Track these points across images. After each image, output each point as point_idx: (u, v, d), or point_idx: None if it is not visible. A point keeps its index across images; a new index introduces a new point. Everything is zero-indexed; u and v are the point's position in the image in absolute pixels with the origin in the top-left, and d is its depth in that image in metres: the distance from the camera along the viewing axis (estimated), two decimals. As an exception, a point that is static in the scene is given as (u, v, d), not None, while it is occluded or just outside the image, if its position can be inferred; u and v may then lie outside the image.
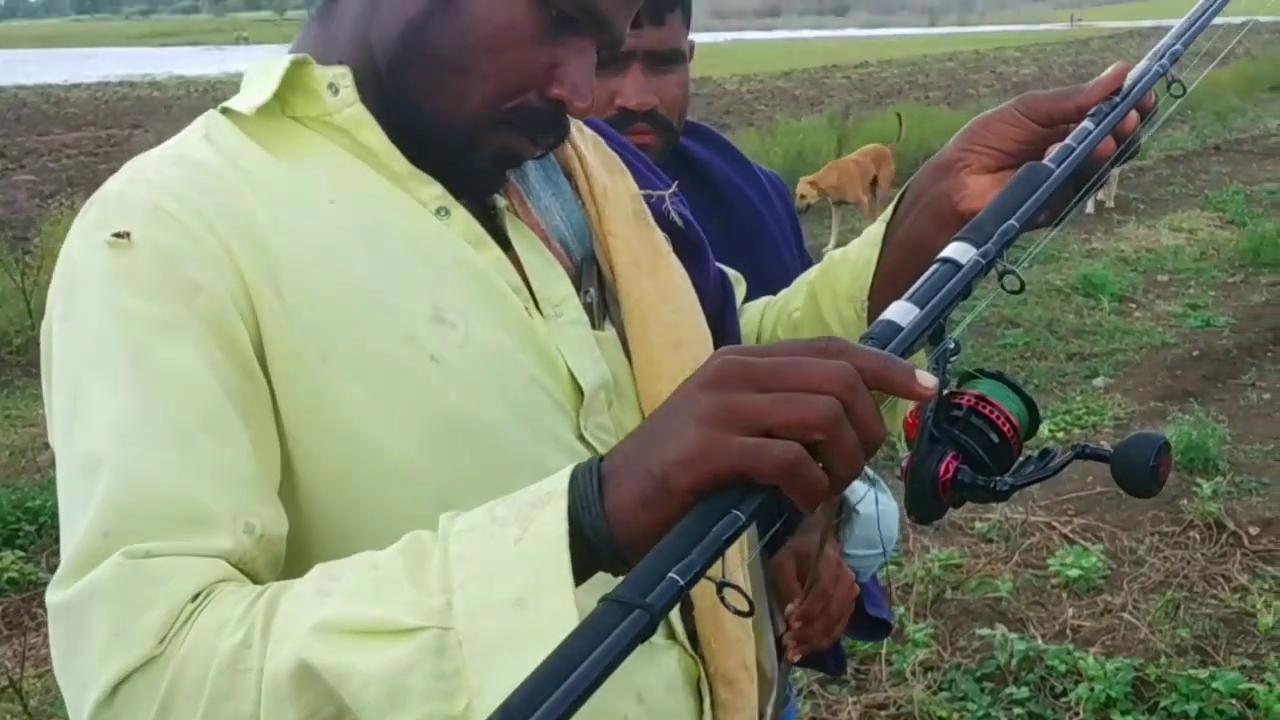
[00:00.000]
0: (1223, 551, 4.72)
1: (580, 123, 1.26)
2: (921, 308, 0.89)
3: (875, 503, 1.83)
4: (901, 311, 0.89)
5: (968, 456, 0.93)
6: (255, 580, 0.92)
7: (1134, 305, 8.57)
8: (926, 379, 0.82)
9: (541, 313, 1.11)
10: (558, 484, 0.82)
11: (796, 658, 1.69)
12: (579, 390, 1.10)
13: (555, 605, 0.78)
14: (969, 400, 0.95)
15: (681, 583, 0.71)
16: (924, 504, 0.92)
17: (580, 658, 0.68)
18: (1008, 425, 0.95)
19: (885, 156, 11.11)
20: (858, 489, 1.83)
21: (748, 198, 1.84)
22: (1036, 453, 0.97)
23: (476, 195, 1.12)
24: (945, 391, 0.94)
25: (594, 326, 1.16)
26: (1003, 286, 0.94)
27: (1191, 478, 5.34)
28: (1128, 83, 1.15)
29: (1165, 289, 9.03)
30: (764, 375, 0.79)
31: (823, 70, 32.67)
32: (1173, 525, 4.94)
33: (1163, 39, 1.20)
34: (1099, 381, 6.92)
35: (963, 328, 0.95)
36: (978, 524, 4.97)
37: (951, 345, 0.92)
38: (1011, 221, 0.98)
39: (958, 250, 0.94)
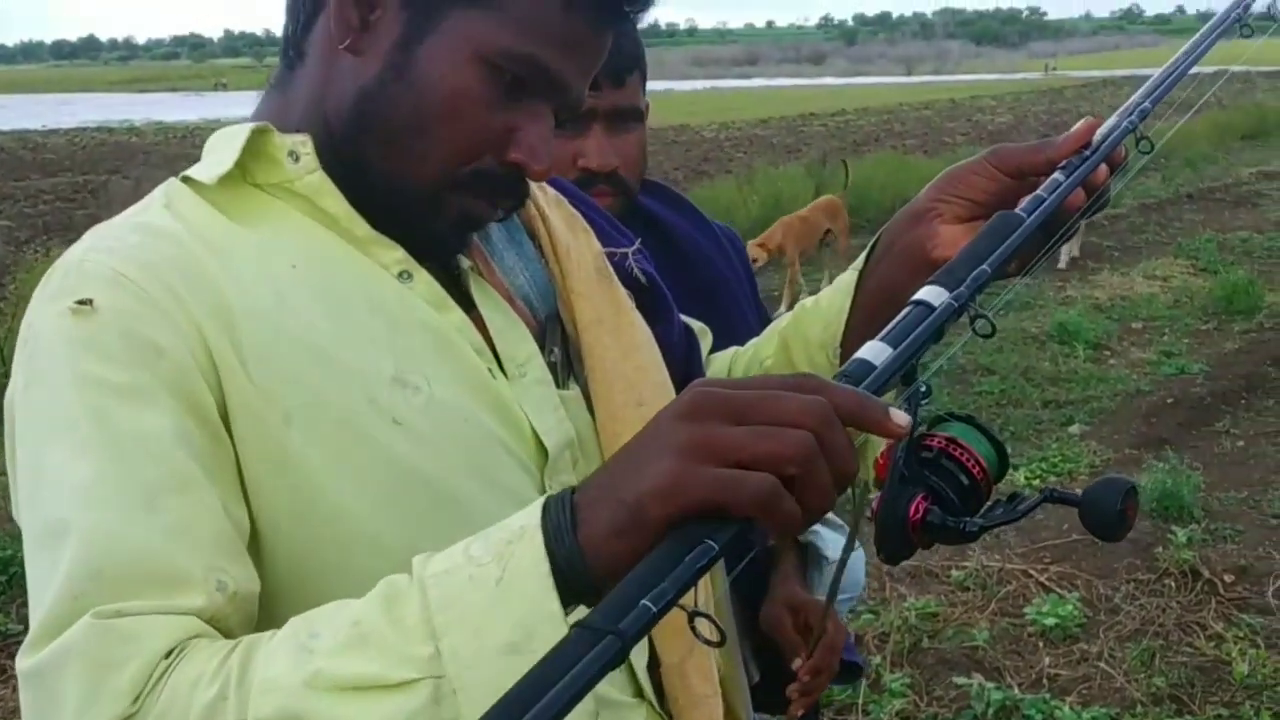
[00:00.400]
0: (1198, 599, 4.73)
1: (544, 183, 1.27)
2: (895, 348, 0.91)
3: (845, 549, 1.84)
4: (875, 351, 0.90)
5: (938, 497, 0.94)
6: (228, 638, 0.91)
7: (1109, 352, 8.62)
8: (899, 416, 0.83)
9: (505, 373, 1.11)
10: (530, 518, 0.82)
11: (801, 712, 1.69)
12: (543, 450, 1.11)
13: (549, 647, 0.78)
14: (940, 442, 0.97)
15: (654, 609, 0.71)
16: (894, 543, 0.94)
17: (550, 684, 0.68)
18: (978, 468, 0.96)
19: (837, 208, 10.77)
20: (827, 537, 1.84)
21: (706, 253, 1.87)
22: (1005, 496, 0.98)
23: (439, 258, 1.13)
24: (916, 433, 0.95)
25: (558, 385, 1.16)
26: (974, 331, 0.96)
27: (1167, 525, 5.35)
28: (1097, 137, 1.17)
29: (1140, 336, 9.08)
30: (740, 407, 0.80)
31: (800, 118, 32.86)
32: (1148, 573, 4.94)
33: (1132, 96, 1.23)
34: (1074, 429, 6.94)
35: (934, 370, 0.96)
36: (954, 572, 4.96)
37: (923, 388, 0.93)
38: (984, 267, 1.00)
39: (931, 293, 0.96)
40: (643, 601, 0.72)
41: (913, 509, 0.93)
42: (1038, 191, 1.12)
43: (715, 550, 0.76)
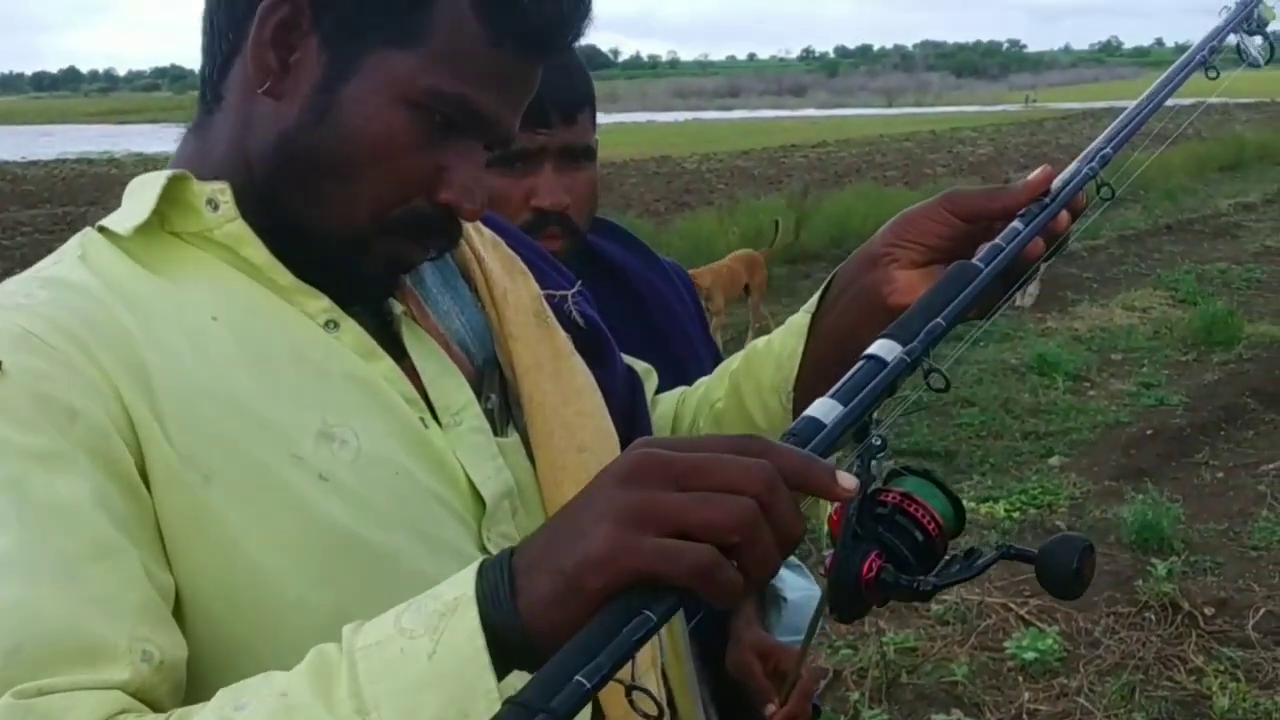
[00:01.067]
0: (1178, 633, 4.71)
1: (480, 224, 1.25)
2: (845, 405, 0.89)
3: (817, 612, 1.84)
4: (825, 409, 0.88)
5: (891, 555, 0.93)
6: (157, 709, 0.87)
7: (1088, 384, 8.62)
8: (847, 480, 0.81)
9: (439, 422, 1.08)
10: (464, 587, 0.79)
11: None
12: (480, 500, 1.08)
13: None
14: (894, 498, 0.96)
15: (588, 686, 0.70)
16: (846, 602, 0.92)
17: None
18: (933, 524, 0.95)
19: (757, 264, 10.57)
20: (785, 577, 1.84)
21: (658, 290, 1.85)
22: (962, 551, 0.97)
23: (369, 302, 1.10)
24: (871, 489, 0.94)
25: (497, 432, 1.14)
26: (928, 385, 0.94)
27: (1146, 557, 5.34)
28: (1056, 184, 1.16)
29: (1119, 368, 9.09)
30: (681, 472, 0.78)
31: (781, 150, 32.96)
32: (1128, 606, 4.93)
33: (1094, 142, 1.21)
34: (1054, 461, 6.94)
35: (887, 424, 0.95)
36: (934, 606, 4.94)
37: (877, 442, 0.92)
38: (939, 320, 0.98)
39: (883, 348, 0.94)
40: (577, 678, 0.70)
41: (865, 567, 0.92)
42: (996, 241, 1.10)
43: (653, 621, 0.74)
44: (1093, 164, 1.17)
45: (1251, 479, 6.54)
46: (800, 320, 1.30)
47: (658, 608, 0.75)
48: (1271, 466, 6.70)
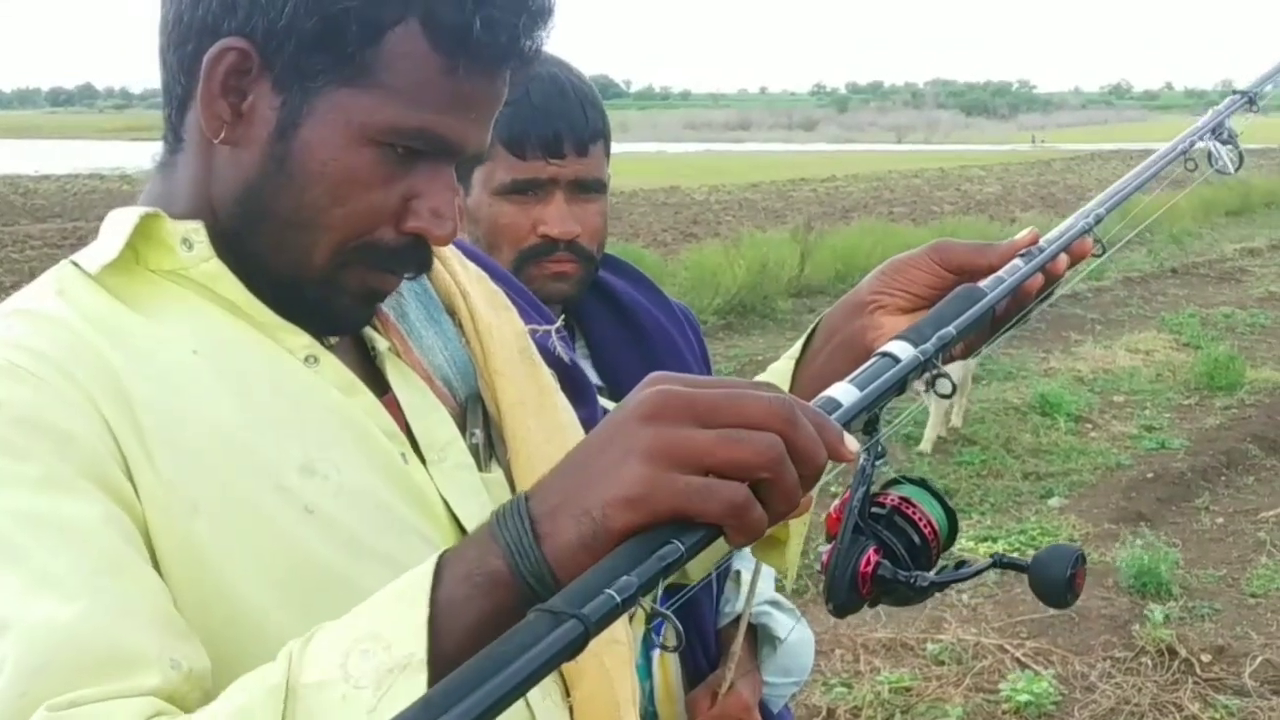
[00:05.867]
0: (1174, 679, 4.69)
1: (464, 259, 1.25)
2: (861, 390, 0.91)
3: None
4: (842, 391, 0.91)
5: (889, 553, 0.96)
6: None
7: (1090, 425, 8.61)
8: (852, 443, 0.83)
9: (424, 457, 1.08)
10: (415, 644, 0.79)
11: None
12: (465, 535, 1.07)
13: None
14: (893, 500, 1.00)
15: (618, 600, 0.70)
16: (843, 595, 0.94)
17: (507, 662, 0.67)
18: (929, 528, 0.98)
19: None
20: (780, 619, 1.85)
21: (665, 328, 1.86)
22: (954, 562, 1.00)
23: (348, 334, 1.10)
24: (870, 491, 0.97)
25: (481, 468, 1.13)
26: (934, 390, 0.97)
27: (1144, 602, 5.32)
28: (1051, 235, 1.19)
29: (1121, 410, 9.08)
30: (705, 409, 0.79)
31: (790, 183, 33.03)
32: (1125, 650, 4.91)
33: (1089, 203, 1.25)
34: (1054, 502, 6.92)
35: (892, 429, 0.98)
36: (930, 645, 4.92)
37: (879, 448, 0.94)
38: (949, 329, 1.02)
39: (898, 347, 0.98)
40: (608, 591, 0.70)
41: (864, 561, 0.94)
42: (999, 273, 1.14)
43: (682, 551, 0.75)
44: (1088, 220, 1.21)
45: (1251, 525, 6.52)
46: (783, 367, 1.31)
47: (686, 539, 0.75)
48: (1272, 513, 6.68)
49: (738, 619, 1.76)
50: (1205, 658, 4.83)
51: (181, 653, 0.89)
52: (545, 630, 0.69)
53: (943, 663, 4.83)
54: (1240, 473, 7.47)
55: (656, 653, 1.68)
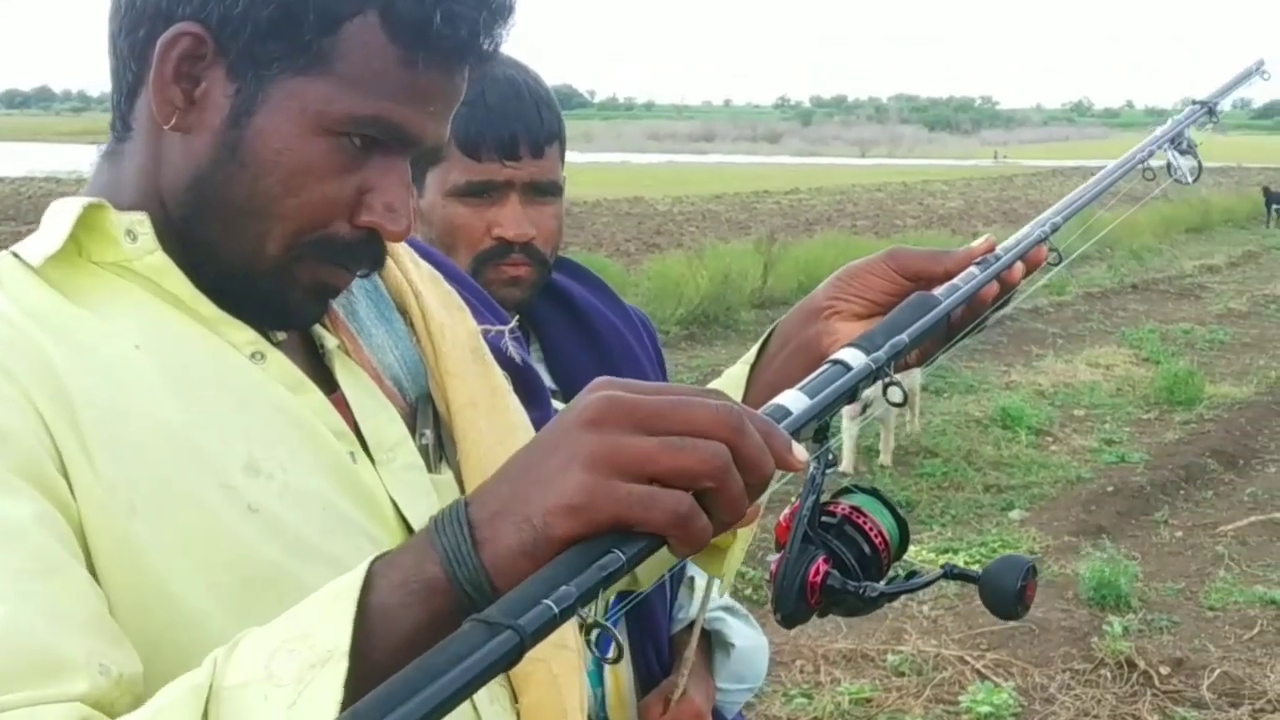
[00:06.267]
0: (1133, 691, 4.70)
1: (417, 257, 1.22)
2: (811, 399, 0.89)
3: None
4: (792, 399, 0.88)
5: (839, 562, 0.94)
6: None
7: (1051, 439, 8.65)
8: (800, 452, 0.81)
9: (372, 457, 1.05)
10: (338, 637, 0.76)
11: None
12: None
13: None
14: (844, 509, 0.98)
15: (555, 611, 0.68)
16: (791, 605, 0.93)
17: (439, 674, 0.65)
18: (880, 538, 0.97)
19: None
20: (734, 625, 1.84)
21: (620, 332, 1.84)
22: (904, 573, 0.99)
23: (298, 329, 1.07)
24: (820, 499, 0.95)
25: (431, 469, 1.10)
26: (886, 398, 0.96)
27: (1103, 614, 5.34)
28: (1008, 243, 1.19)
29: (1081, 423, 9.13)
30: (649, 415, 0.76)
31: (754, 195, 33.13)
32: (1084, 663, 4.91)
33: (1045, 211, 1.25)
34: (1015, 514, 6.95)
35: (852, 437, 0.95)
36: (890, 656, 4.92)
37: (830, 456, 0.93)
38: (902, 336, 1.00)
39: (850, 355, 0.96)
40: (545, 601, 0.68)
41: (813, 571, 0.92)
42: (954, 280, 1.13)
43: (623, 561, 0.73)
44: (1044, 229, 1.21)
45: (1210, 539, 6.56)
46: (738, 372, 1.29)
47: (627, 549, 0.73)
48: (1230, 527, 6.73)
49: (691, 624, 1.74)
50: (1164, 670, 4.84)
51: (111, 658, 0.85)
52: (480, 641, 0.67)
53: (903, 674, 4.82)
54: (1199, 487, 7.52)
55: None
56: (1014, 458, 8.04)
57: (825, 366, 0.94)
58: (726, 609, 1.86)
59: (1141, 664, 4.85)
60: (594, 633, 0.71)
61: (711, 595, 1.70)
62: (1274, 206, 26.05)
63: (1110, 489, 7.38)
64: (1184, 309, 14.77)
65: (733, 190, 34.38)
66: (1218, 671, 4.83)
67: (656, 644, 1.77)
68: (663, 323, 12.01)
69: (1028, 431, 8.60)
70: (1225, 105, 1.51)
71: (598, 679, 1.66)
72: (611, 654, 0.71)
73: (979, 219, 25.55)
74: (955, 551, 6.21)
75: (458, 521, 0.78)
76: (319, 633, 0.77)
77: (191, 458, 0.93)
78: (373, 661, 0.76)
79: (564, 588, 0.69)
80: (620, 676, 1.71)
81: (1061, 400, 9.78)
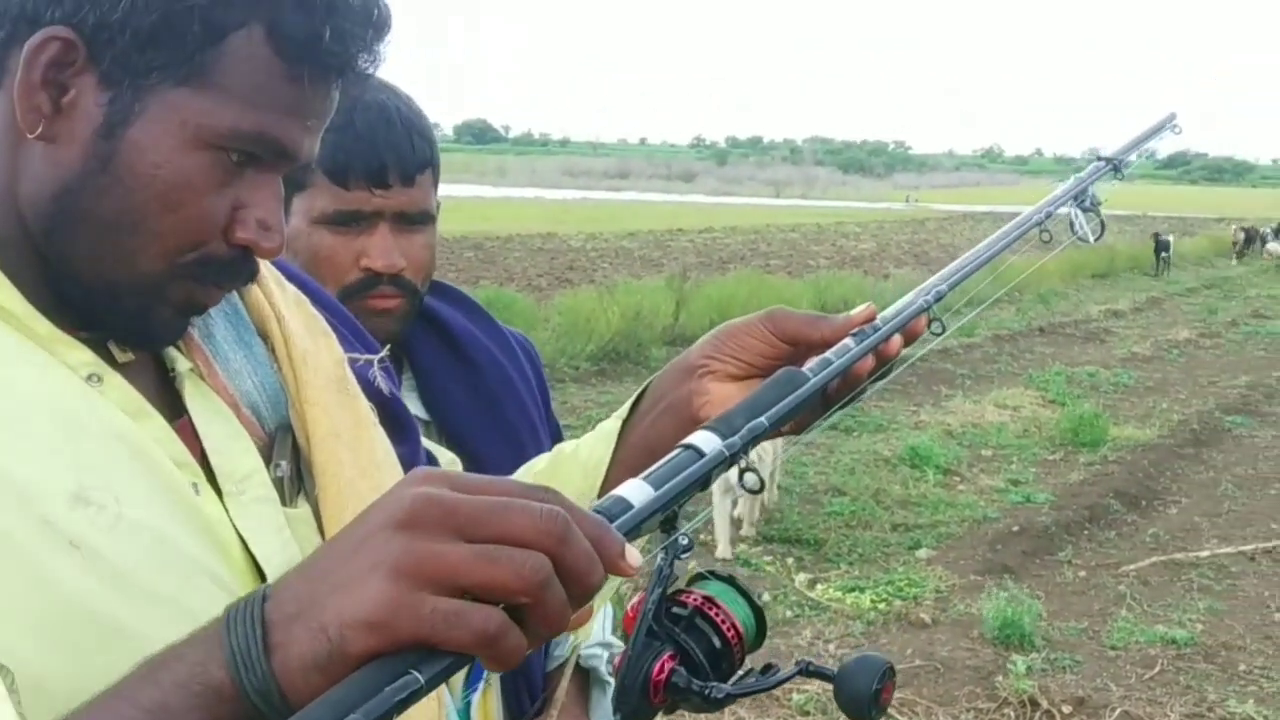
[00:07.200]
0: (1036, 730, 4.70)
1: (284, 280, 1.16)
2: (657, 489, 0.83)
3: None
4: (634, 489, 0.82)
5: (686, 658, 0.89)
6: None
7: (958, 478, 8.71)
8: (634, 556, 0.75)
9: (220, 489, 0.99)
10: (181, 699, 0.71)
11: None
12: (261, 576, 0.98)
13: None
14: (696, 600, 0.92)
15: None
16: (633, 703, 0.87)
17: None
18: (733, 631, 0.91)
19: None
20: (608, 660, 1.78)
21: (495, 357, 1.79)
22: (759, 667, 0.93)
23: (159, 348, 1.01)
24: (671, 589, 0.90)
25: (285, 502, 1.04)
26: (742, 485, 0.91)
27: (1007, 653, 5.35)
28: (890, 311, 1.17)
29: (989, 463, 9.21)
30: (466, 520, 0.71)
31: (667, 233, 33.24)
32: (988, 701, 4.92)
33: (930, 279, 1.24)
34: (922, 553, 6.97)
35: (695, 525, 0.90)
36: (795, 695, 4.89)
37: (684, 540, 0.87)
38: (762, 419, 0.95)
39: (703, 439, 0.90)
40: None
41: (657, 668, 0.87)
42: (826, 354, 1.10)
43: (420, 684, 0.67)
44: (927, 297, 1.19)
45: (1112, 579, 6.62)
46: (610, 427, 1.27)
47: (427, 669, 0.68)
48: (1132, 567, 6.80)
49: (564, 664, 1.68)
50: (1066, 709, 4.86)
51: None
52: None
53: (808, 713, 4.79)
54: (1102, 527, 7.60)
55: (477, 696, 1.59)
56: (922, 497, 8.08)
57: (676, 452, 0.89)
58: (604, 645, 1.80)
59: (1044, 703, 4.87)
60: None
61: (591, 630, 1.65)
62: (1162, 254, 26.76)
63: (1016, 529, 7.43)
64: (1089, 352, 15.00)
65: (647, 228, 34.47)
66: (1119, 710, 4.86)
67: (530, 681, 1.70)
68: (573, 358, 11.96)
69: (936, 471, 8.65)
70: (1133, 158, 1.50)
71: (465, 717, 1.59)
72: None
73: (891, 260, 25.82)
74: (862, 589, 6.20)
75: (251, 620, 0.72)
76: (155, 703, 0.72)
77: (8, 489, 0.85)
78: None
79: (352, 716, 0.64)
80: (489, 714, 1.65)
81: (969, 440, 9.86)
